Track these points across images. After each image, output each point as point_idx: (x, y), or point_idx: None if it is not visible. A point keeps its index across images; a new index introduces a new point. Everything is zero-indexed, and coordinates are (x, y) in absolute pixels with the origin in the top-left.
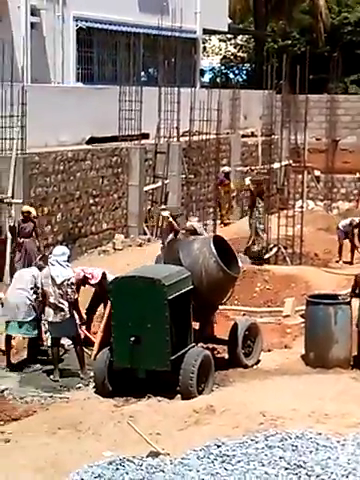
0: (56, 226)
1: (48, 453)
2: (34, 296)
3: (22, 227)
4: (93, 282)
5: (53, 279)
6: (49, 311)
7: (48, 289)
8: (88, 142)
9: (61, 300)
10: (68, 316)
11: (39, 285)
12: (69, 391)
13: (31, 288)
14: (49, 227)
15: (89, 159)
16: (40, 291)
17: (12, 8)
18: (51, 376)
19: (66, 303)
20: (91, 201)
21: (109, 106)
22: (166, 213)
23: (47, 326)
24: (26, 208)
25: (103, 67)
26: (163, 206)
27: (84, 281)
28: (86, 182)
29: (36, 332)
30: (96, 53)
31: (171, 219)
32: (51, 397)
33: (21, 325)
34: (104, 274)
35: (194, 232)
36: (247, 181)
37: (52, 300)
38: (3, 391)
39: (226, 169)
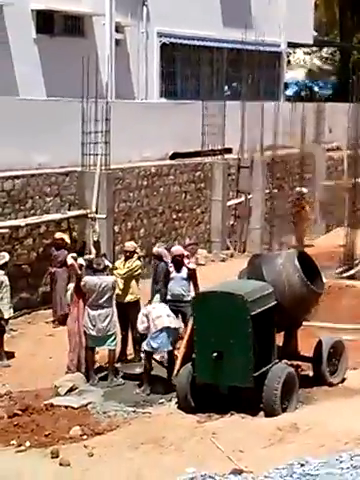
0: (139, 241)
1: (131, 468)
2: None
3: (55, 255)
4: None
5: None
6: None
7: None
8: (171, 157)
9: None
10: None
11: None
12: (152, 406)
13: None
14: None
15: (172, 174)
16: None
17: (97, 25)
18: (137, 390)
19: None
20: (174, 216)
21: (192, 121)
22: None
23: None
24: (59, 235)
25: (186, 82)
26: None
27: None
28: (169, 197)
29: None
30: (179, 68)
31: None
32: (134, 412)
33: (104, 339)
34: (194, 270)
35: (160, 258)
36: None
37: None
38: (87, 405)
39: (303, 190)
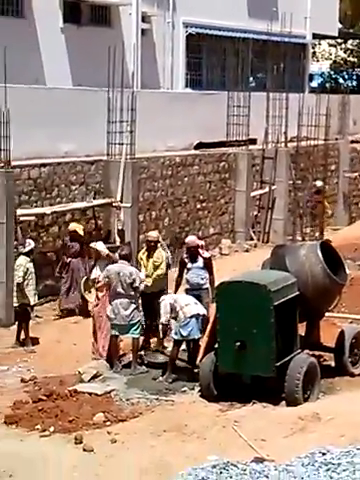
0: (163, 230)
1: (153, 455)
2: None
3: (69, 246)
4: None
5: None
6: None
7: None
8: (196, 147)
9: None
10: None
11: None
12: (174, 394)
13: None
14: (156, 232)
15: (197, 164)
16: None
17: (123, 15)
18: (160, 378)
19: None
20: (198, 206)
21: (217, 111)
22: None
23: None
24: (73, 226)
25: (212, 73)
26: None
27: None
28: (193, 187)
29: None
30: (205, 59)
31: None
32: (157, 399)
33: (127, 327)
34: (210, 258)
35: (98, 254)
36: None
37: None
38: (110, 392)
39: (317, 184)
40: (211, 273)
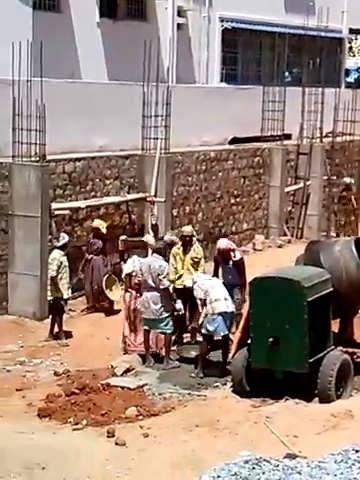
0: (197, 225)
1: (185, 449)
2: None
3: (91, 243)
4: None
5: None
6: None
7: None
8: (231, 142)
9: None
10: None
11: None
12: (207, 389)
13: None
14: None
15: (231, 159)
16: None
17: (159, 9)
18: (192, 373)
19: None
20: (232, 201)
21: (252, 106)
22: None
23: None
24: (97, 223)
25: (247, 67)
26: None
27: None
28: (228, 182)
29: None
30: (240, 53)
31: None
32: (189, 394)
33: (157, 322)
34: (242, 259)
35: (130, 247)
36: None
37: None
38: (142, 386)
39: (346, 180)
40: (243, 274)
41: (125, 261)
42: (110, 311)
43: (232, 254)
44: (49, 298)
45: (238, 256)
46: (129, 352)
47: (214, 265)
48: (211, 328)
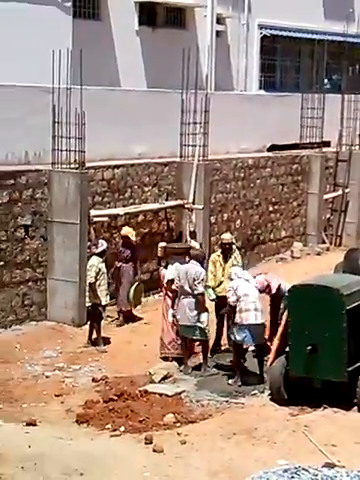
0: (235, 232)
1: (223, 457)
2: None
3: (120, 251)
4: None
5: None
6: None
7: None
8: (269, 149)
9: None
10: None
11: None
12: (244, 397)
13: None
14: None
15: (269, 166)
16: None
17: (198, 17)
18: (229, 381)
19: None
20: (270, 208)
21: (291, 114)
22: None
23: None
24: (125, 231)
25: (286, 74)
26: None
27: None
28: (266, 189)
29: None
30: (279, 60)
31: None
32: (227, 402)
33: (193, 329)
34: (279, 286)
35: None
36: None
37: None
38: (180, 393)
39: None
40: (276, 310)
41: (165, 267)
42: (135, 318)
43: (267, 290)
44: (87, 304)
45: (274, 287)
46: (167, 355)
47: None
48: (239, 337)
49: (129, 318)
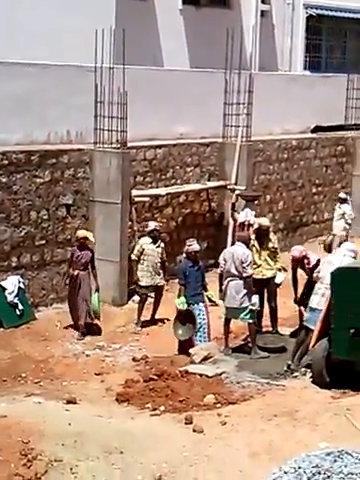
0: (278, 214)
1: (263, 439)
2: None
3: (77, 256)
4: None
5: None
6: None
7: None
8: (313, 130)
9: None
10: None
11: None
12: (286, 379)
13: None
14: (271, 215)
15: (313, 148)
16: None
17: None
18: (289, 361)
19: None
20: (314, 190)
21: (336, 95)
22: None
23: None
24: (82, 233)
25: (331, 55)
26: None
27: (302, 264)
28: (309, 171)
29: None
30: (325, 41)
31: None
32: (268, 383)
33: (239, 311)
34: (318, 261)
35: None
36: None
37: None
38: (221, 374)
39: None
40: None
41: (238, 212)
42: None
43: (306, 261)
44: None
45: (313, 261)
46: None
47: (292, 272)
48: (305, 318)
49: (91, 330)
